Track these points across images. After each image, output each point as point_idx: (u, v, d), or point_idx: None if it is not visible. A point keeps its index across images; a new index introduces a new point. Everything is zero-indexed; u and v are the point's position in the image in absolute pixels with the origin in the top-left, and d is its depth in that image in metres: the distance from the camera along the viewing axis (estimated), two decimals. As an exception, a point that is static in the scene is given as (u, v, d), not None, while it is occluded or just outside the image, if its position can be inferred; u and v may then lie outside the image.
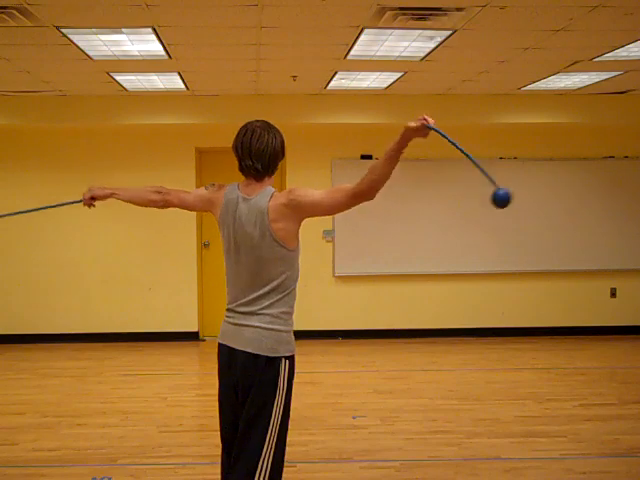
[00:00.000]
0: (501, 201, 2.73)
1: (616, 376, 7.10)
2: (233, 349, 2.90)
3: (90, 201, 3.26)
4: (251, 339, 2.86)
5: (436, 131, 2.72)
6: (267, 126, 2.96)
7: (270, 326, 2.86)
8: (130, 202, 3.25)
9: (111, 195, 3.23)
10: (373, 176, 2.70)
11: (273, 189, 2.94)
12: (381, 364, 7.73)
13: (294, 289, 2.94)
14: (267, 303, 2.87)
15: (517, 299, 9.21)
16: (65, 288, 8.90)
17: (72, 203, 3.45)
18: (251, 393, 2.85)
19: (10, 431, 5.36)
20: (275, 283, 2.87)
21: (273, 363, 2.85)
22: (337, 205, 2.81)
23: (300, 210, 2.84)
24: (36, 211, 3.82)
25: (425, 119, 2.70)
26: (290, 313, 2.93)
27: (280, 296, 2.88)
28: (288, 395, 2.90)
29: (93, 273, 8.92)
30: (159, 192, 3.17)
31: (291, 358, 2.92)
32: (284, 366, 2.87)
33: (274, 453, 2.85)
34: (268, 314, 2.87)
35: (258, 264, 2.87)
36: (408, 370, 7.44)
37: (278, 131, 2.99)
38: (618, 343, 8.71)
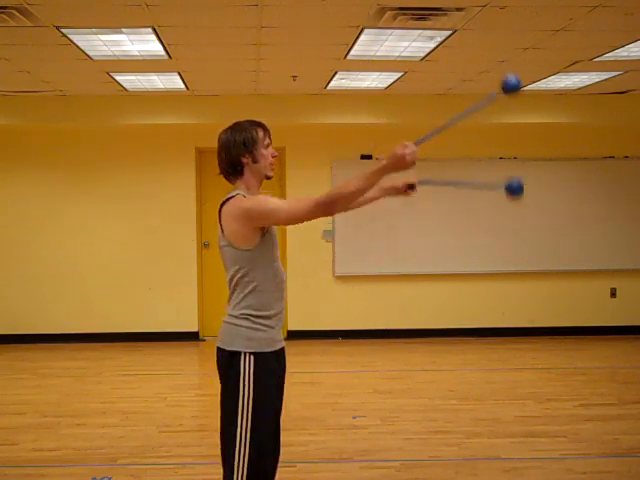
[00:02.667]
0: (517, 190, 2.81)
1: (616, 376, 7.10)
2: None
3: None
4: (220, 334, 2.96)
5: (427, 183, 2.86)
6: (236, 125, 2.97)
7: (233, 321, 2.90)
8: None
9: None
10: (341, 190, 2.71)
11: (238, 192, 2.90)
12: (381, 364, 7.73)
13: (257, 290, 2.88)
14: (233, 303, 2.93)
15: (517, 299, 9.21)
16: (65, 288, 8.90)
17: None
18: (222, 389, 2.95)
19: (10, 431, 5.36)
20: (233, 282, 2.91)
21: (233, 358, 2.87)
22: (297, 214, 2.76)
23: (253, 219, 2.82)
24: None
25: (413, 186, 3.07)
26: (257, 315, 2.88)
27: (241, 296, 2.89)
28: (257, 393, 2.85)
29: (93, 273, 8.92)
30: None
31: (257, 355, 2.87)
32: (246, 362, 2.85)
33: (250, 454, 2.83)
34: (233, 315, 2.91)
35: (224, 264, 2.97)
36: (408, 370, 7.44)
37: (245, 129, 2.94)
38: (618, 343, 8.71)
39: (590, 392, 6.38)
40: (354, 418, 5.58)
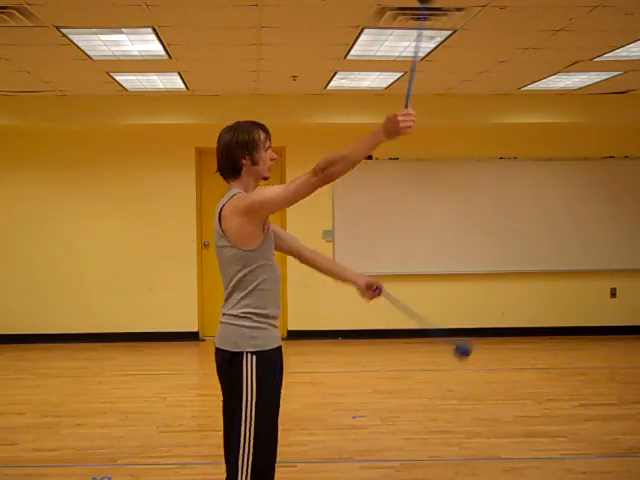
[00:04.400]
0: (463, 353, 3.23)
1: (616, 376, 7.10)
2: (215, 347, 3.01)
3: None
4: (219, 336, 2.96)
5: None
6: (238, 125, 2.97)
7: (234, 322, 2.90)
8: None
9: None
10: (335, 154, 2.74)
11: (237, 191, 2.91)
12: (381, 364, 7.73)
13: (257, 289, 2.89)
14: (232, 303, 2.91)
15: (517, 299, 9.21)
16: (65, 288, 8.90)
17: None
18: (224, 390, 2.95)
19: (10, 431, 5.35)
20: (234, 282, 2.90)
21: (236, 358, 2.87)
22: (297, 189, 2.77)
23: (255, 212, 2.82)
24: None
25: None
26: (257, 314, 2.89)
27: (241, 295, 2.89)
28: (261, 392, 2.86)
29: (93, 273, 8.92)
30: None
31: (259, 354, 2.88)
32: (248, 361, 2.86)
33: (254, 454, 2.83)
34: (233, 314, 2.90)
35: (221, 264, 2.96)
36: (408, 370, 7.44)
37: (247, 131, 2.94)
38: (618, 343, 8.71)
39: (590, 392, 6.38)
40: (354, 418, 5.58)
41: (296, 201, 2.82)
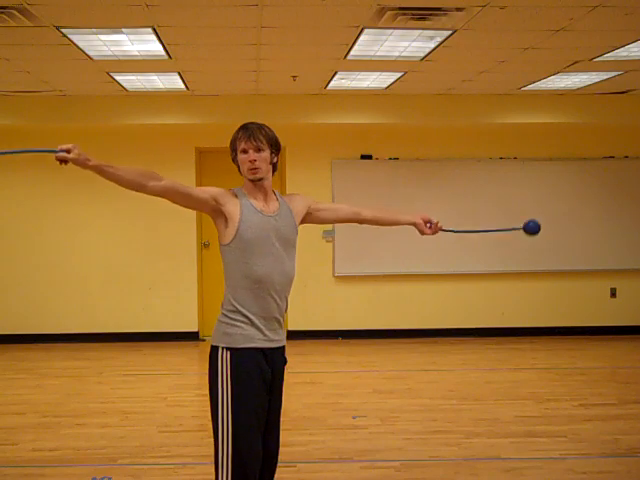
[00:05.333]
0: (533, 231, 3.15)
1: (616, 376, 7.10)
2: None
3: (64, 156, 2.89)
4: None
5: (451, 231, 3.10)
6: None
7: (219, 317, 2.99)
8: (115, 182, 2.95)
9: (94, 168, 2.97)
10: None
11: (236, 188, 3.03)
12: (381, 364, 7.72)
13: (230, 285, 2.95)
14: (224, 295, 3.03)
15: (517, 299, 9.21)
16: (65, 288, 8.90)
17: (45, 151, 3.01)
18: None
19: (10, 431, 5.35)
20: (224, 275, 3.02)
21: (213, 352, 2.97)
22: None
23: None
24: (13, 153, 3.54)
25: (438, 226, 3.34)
26: (233, 310, 2.92)
27: (225, 289, 3.00)
28: (235, 389, 2.87)
29: (93, 273, 8.93)
30: (159, 180, 2.87)
31: (232, 351, 2.90)
32: (223, 356, 2.92)
33: (232, 454, 2.83)
34: (221, 308, 3.01)
35: None
36: (408, 370, 7.44)
37: (235, 132, 3.04)
38: (618, 343, 8.71)
39: (590, 392, 6.38)
40: (354, 418, 5.58)
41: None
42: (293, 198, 3.15)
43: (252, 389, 2.90)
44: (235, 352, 2.90)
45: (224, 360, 2.91)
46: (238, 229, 2.90)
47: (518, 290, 9.21)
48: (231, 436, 2.85)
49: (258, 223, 2.92)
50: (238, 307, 2.92)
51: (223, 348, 2.92)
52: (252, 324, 2.92)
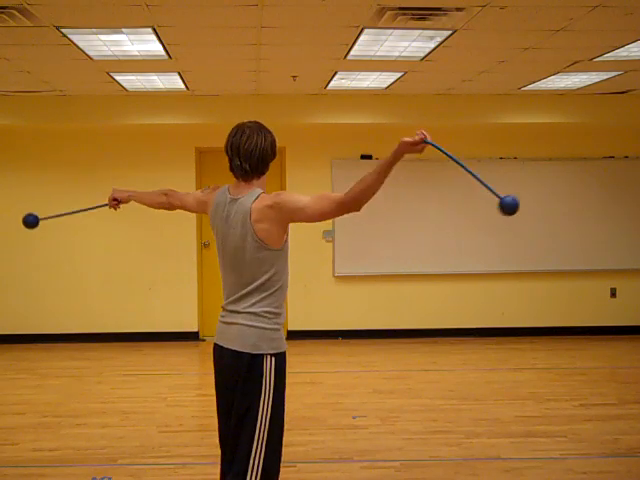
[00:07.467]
0: (509, 208, 2.78)
1: (616, 376, 7.10)
2: (222, 347, 2.96)
3: (114, 203, 3.67)
4: (236, 336, 2.90)
5: (435, 146, 2.69)
6: (258, 127, 2.98)
7: (253, 323, 2.89)
8: (143, 204, 3.60)
9: (129, 198, 3.64)
10: (362, 186, 2.70)
11: (261, 190, 2.95)
12: (381, 364, 7.73)
13: (280, 289, 2.94)
14: (251, 302, 2.90)
15: (517, 299, 9.21)
16: (65, 288, 8.90)
17: (100, 207, 3.89)
18: (238, 392, 2.88)
19: (10, 431, 5.35)
20: (258, 282, 2.89)
21: (256, 360, 2.86)
22: (322, 213, 2.80)
23: (284, 214, 2.84)
24: (70, 214, 4.52)
25: (424, 134, 2.68)
26: (276, 313, 2.92)
27: (264, 295, 2.89)
28: (277, 393, 2.89)
29: (93, 273, 8.92)
30: (166, 194, 3.48)
31: (278, 356, 2.90)
32: (268, 363, 2.87)
33: (265, 454, 2.85)
34: (252, 312, 2.89)
35: (243, 263, 2.91)
36: (408, 370, 7.44)
37: (269, 132, 2.99)
38: (618, 343, 8.71)
39: (590, 392, 6.38)
40: (354, 418, 5.58)
41: (314, 221, 2.86)
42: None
43: (284, 393, 2.97)
44: (278, 357, 2.91)
45: (269, 367, 2.88)
46: (288, 233, 2.95)
47: (518, 290, 9.21)
48: (266, 441, 2.85)
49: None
50: (279, 311, 2.93)
51: (268, 355, 2.88)
52: (282, 326, 2.99)
